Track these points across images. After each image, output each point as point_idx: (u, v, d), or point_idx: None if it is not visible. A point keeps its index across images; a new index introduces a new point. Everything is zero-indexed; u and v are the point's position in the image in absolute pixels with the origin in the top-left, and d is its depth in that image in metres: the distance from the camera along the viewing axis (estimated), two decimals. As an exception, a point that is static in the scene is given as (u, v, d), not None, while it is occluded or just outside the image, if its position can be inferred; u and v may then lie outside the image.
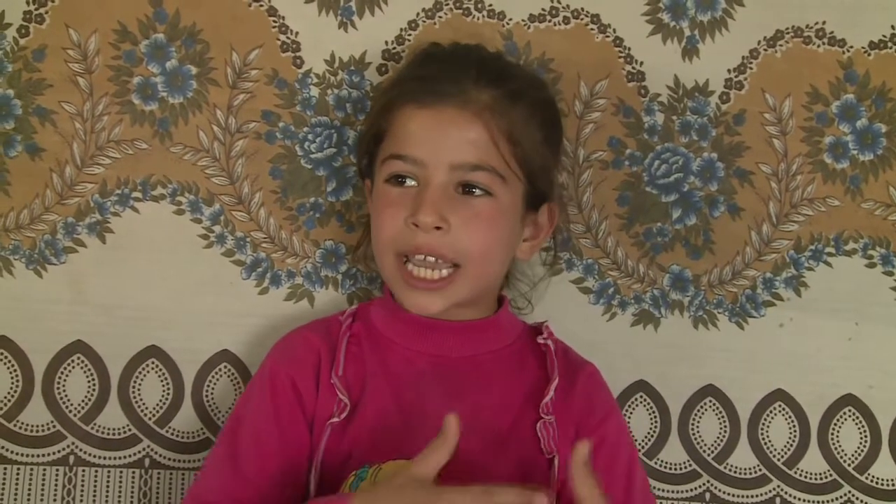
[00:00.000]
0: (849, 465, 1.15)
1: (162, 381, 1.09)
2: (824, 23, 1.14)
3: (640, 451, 1.13)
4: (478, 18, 1.11)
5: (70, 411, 1.07)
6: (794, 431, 1.15)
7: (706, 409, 1.14)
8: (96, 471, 1.07)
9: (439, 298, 0.95)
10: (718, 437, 1.14)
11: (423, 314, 0.97)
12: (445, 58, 1.00)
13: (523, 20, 1.11)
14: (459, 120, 0.94)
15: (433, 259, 0.94)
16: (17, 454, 1.07)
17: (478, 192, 0.95)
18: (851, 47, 1.14)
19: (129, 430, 1.08)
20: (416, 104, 0.95)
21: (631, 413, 1.13)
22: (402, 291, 0.96)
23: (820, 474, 1.15)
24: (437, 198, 0.93)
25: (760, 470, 1.14)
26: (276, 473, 0.94)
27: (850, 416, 1.15)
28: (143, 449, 1.08)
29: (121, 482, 1.08)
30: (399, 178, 0.96)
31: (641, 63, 1.13)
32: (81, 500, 1.07)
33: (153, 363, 1.08)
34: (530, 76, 1.04)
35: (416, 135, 0.95)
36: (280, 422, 0.95)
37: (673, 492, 1.13)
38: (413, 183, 0.95)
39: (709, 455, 1.14)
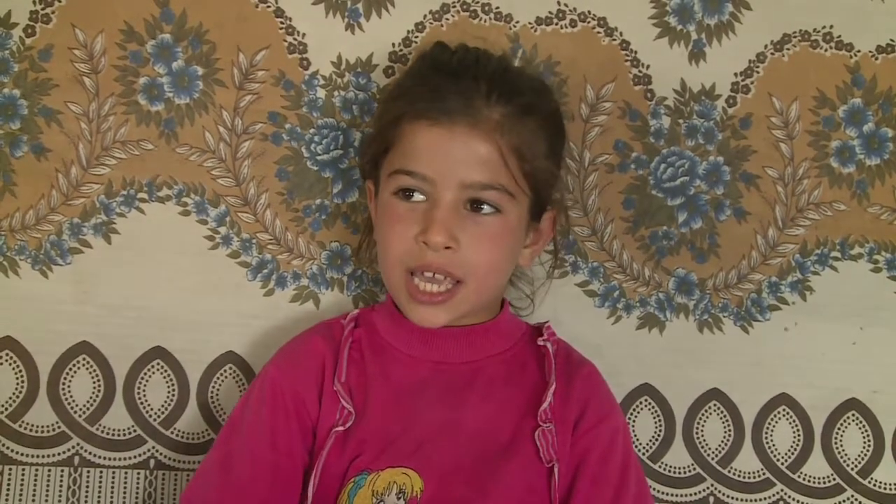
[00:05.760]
0: (852, 469, 1.15)
1: (167, 382, 1.09)
2: (831, 27, 1.14)
3: (644, 454, 1.13)
4: (485, 21, 1.11)
5: (75, 412, 1.07)
6: (798, 435, 1.15)
7: (710, 413, 1.14)
8: (101, 471, 1.07)
9: (443, 312, 0.95)
10: (723, 441, 1.14)
11: (429, 327, 0.97)
12: (454, 69, 0.97)
13: (530, 23, 1.11)
14: (470, 138, 0.93)
15: (441, 276, 0.94)
16: (22, 455, 1.07)
17: (487, 209, 0.94)
18: (859, 51, 1.14)
19: (135, 430, 1.08)
20: (427, 120, 0.93)
21: (635, 417, 1.13)
22: (407, 305, 0.96)
23: (823, 478, 1.15)
24: (447, 217, 0.92)
25: (764, 474, 1.14)
26: (268, 484, 0.94)
27: (853, 421, 1.15)
28: (149, 450, 1.08)
29: (126, 483, 1.08)
30: (407, 192, 0.95)
31: (648, 66, 1.13)
32: (86, 501, 1.07)
33: (158, 364, 1.08)
34: (537, 85, 1.02)
35: (425, 152, 0.93)
36: (275, 433, 0.95)
37: (677, 496, 1.13)
38: (421, 197, 0.94)
39: (713, 459, 1.14)
